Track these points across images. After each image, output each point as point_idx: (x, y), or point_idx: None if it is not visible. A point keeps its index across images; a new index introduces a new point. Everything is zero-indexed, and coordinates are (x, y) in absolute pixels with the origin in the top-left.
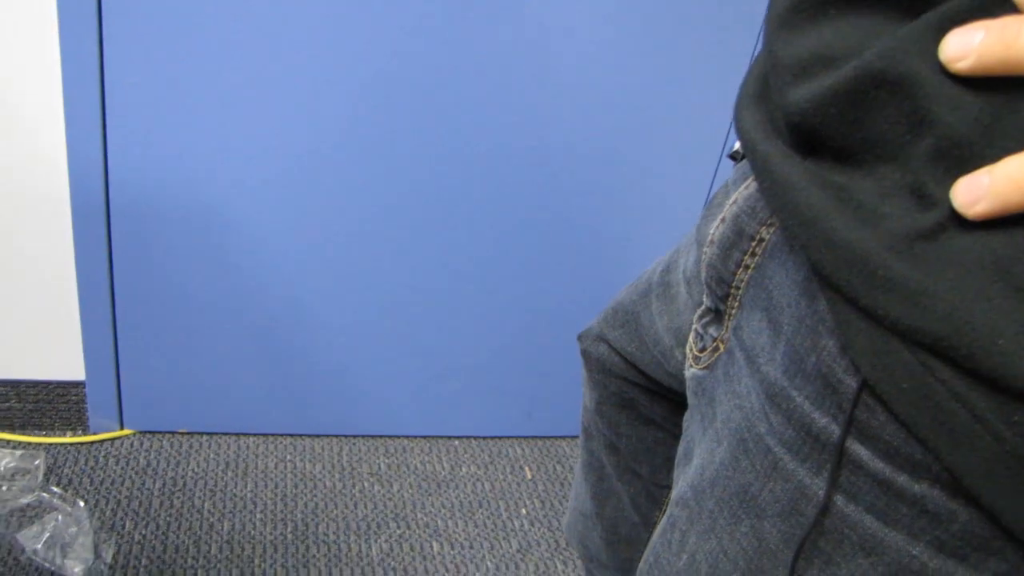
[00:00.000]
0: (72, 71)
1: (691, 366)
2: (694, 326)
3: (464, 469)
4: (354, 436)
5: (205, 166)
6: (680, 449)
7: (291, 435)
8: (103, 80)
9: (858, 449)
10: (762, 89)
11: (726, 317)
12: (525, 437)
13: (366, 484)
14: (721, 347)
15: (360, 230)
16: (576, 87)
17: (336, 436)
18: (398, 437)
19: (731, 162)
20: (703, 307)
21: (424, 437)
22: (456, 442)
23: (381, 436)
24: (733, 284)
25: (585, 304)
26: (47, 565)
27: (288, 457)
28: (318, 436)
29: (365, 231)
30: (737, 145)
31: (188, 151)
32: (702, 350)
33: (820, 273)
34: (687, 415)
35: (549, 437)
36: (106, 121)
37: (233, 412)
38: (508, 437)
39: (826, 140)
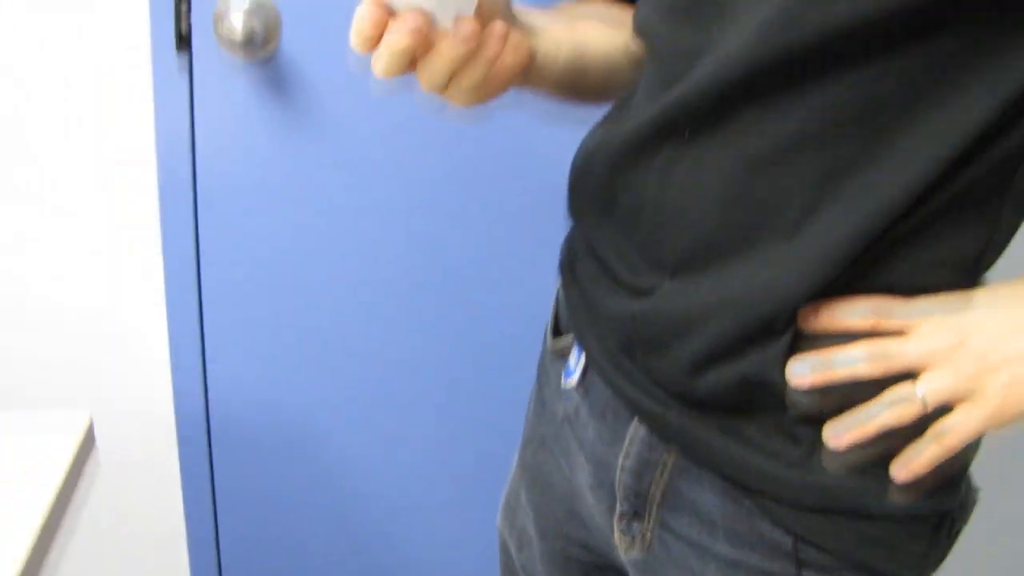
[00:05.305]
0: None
1: (626, 552)
2: (616, 528)
3: None
4: None
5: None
6: None
7: None
8: None
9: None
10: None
11: (646, 516)
12: None
13: None
14: (649, 535)
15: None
16: None
17: None
18: None
19: None
20: (619, 511)
21: None
22: None
23: None
24: (648, 496)
25: None
26: None
27: None
28: None
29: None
30: (575, 369)
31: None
32: (632, 540)
33: (739, 485)
34: None
35: None
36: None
37: None
38: None
39: (728, 406)
